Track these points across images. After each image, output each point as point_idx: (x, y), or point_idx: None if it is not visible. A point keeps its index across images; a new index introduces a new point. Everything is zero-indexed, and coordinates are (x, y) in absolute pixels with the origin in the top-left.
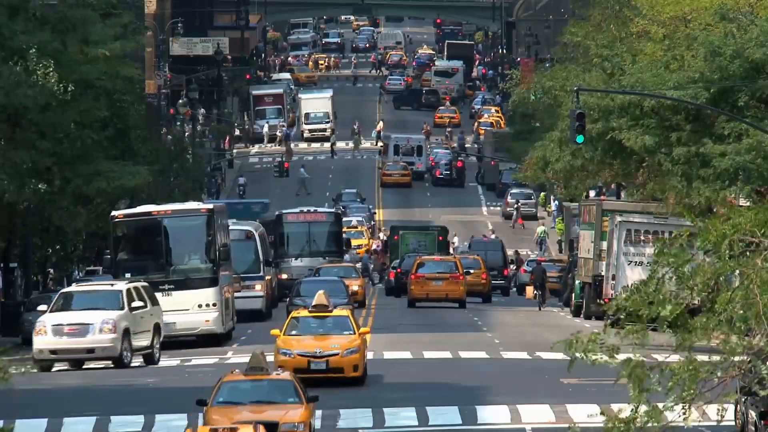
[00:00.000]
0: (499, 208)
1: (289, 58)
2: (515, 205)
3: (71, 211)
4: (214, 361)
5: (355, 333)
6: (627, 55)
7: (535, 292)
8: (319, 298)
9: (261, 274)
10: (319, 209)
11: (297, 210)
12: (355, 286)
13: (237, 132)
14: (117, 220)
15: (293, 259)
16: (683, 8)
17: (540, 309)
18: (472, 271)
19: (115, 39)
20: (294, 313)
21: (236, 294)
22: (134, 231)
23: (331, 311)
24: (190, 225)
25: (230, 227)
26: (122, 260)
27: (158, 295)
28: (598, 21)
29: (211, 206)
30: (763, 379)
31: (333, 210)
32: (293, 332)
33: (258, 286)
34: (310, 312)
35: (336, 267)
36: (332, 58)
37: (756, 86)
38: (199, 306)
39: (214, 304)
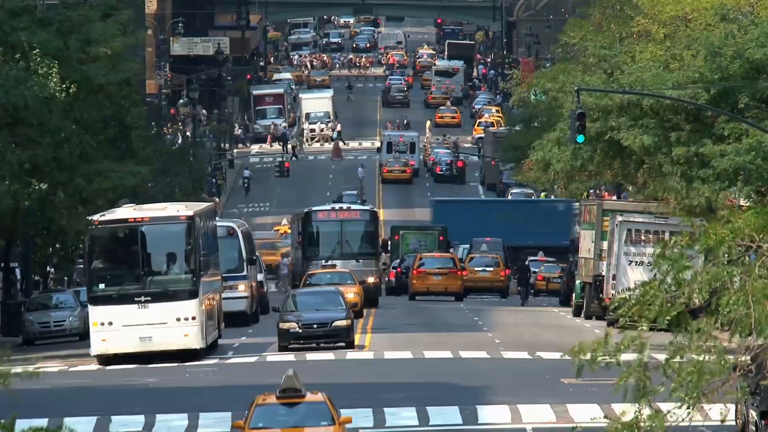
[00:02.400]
0: None
1: (300, 58)
2: None
3: (72, 213)
4: (215, 362)
5: (335, 423)
6: (626, 56)
7: (519, 288)
8: (288, 380)
9: (245, 273)
10: (353, 206)
11: (328, 207)
12: (351, 294)
13: (259, 131)
14: (91, 227)
15: (323, 261)
16: (684, 8)
17: (523, 305)
18: (491, 268)
19: (115, 37)
20: (259, 400)
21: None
22: (110, 239)
23: (303, 396)
24: (168, 233)
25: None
26: (96, 269)
27: (134, 307)
28: (598, 20)
29: (191, 213)
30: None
31: (368, 207)
32: (259, 424)
33: (241, 287)
34: (278, 398)
35: (330, 273)
36: (364, 58)
37: (756, 87)
38: (177, 319)
39: (193, 318)
